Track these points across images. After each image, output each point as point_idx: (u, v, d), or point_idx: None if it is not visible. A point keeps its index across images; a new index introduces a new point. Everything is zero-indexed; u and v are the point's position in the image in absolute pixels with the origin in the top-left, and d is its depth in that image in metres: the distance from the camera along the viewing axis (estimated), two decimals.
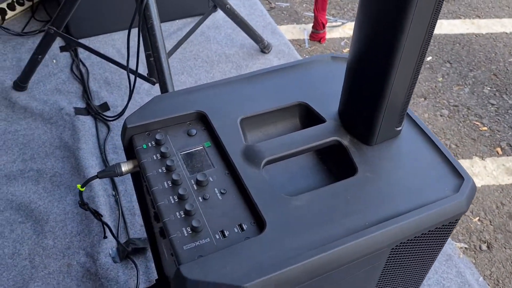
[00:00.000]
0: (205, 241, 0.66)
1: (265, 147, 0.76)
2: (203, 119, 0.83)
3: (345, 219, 0.68)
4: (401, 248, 0.72)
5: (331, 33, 2.40)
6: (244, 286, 0.60)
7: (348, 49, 2.29)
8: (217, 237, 0.66)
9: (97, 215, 0.97)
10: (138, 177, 0.88)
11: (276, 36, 2.16)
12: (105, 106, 1.78)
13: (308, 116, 0.85)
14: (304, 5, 2.56)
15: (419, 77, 2.14)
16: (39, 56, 1.69)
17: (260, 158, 0.74)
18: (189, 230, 0.67)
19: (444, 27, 2.46)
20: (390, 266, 0.75)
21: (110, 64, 1.95)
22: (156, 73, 1.34)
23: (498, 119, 1.99)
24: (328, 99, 0.86)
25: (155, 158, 0.77)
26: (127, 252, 1.32)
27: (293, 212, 0.68)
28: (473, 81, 2.16)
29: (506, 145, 1.88)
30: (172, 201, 0.71)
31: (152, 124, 0.81)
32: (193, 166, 0.76)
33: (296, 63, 0.93)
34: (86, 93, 1.81)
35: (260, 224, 0.68)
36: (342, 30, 2.41)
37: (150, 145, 0.79)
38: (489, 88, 2.14)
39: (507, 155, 1.84)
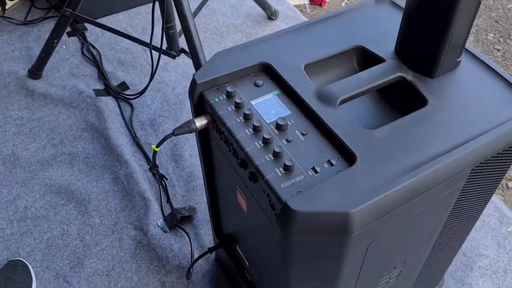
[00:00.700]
0: (300, 178, 0.69)
1: (337, 88, 0.78)
2: (266, 70, 0.85)
3: (429, 145, 0.71)
4: (479, 169, 0.75)
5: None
6: (351, 211, 0.63)
7: None
8: (310, 173, 0.69)
9: (164, 179, 0.98)
10: (204, 134, 0.90)
11: (280, 2, 2.16)
12: (124, 86, 1.78)
13: (365, 58, 0.87)
14: None
15: None
16: (55, 41, 1.67)
17: (335, 98, 0.77)
18: (281, 170, 0.70)
19: None
20: (467, 189, 0.79)
21: (121, 44, 1.94)
22: (187, 42, 1.34)
23: (506, 63, 2.04)
24: (381, 40, 0.88)
25: (230, 109, 0.79)
26: (175, 221, 1.34)
27: (378, 143, 0.71)
28: (476, 30, 2.20)
29: None
30: (258, 146, 0.73)
31: (219, 79, 0.82)
32: (268, 113, 0.78)
33: (342, 11, 0.95)
34: (102, 75, 1.81)
35: (347, 158, 0.71)
36: None
37: (221, 98, 0.80)
38: (492, 35, 2.18)
39: None
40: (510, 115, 0.75)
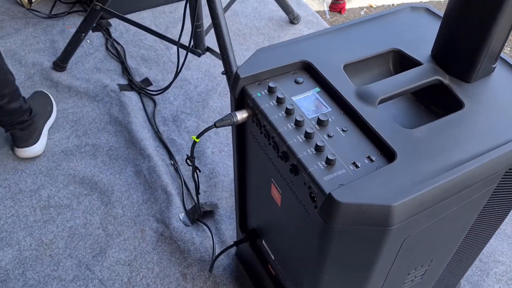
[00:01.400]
0: (341, 172, 0.71)
1: (376, 88, 0.81)
2: (307, 68, 0.87)
3: (466, 145, 0.73)
4: (511, 173, 0.78)
5: (350, 3, 2.44)
6: (393, 205, 0.65)
7: None
8: (351, 168, 0.72)
9: (197, 170, 1.00)
10: (241, 128, 0.92)
11: (302, 8, 2.19)
12: (147, 82, 1.81)
13: (401, 61, 0.90)
14: None
15: None
16: (83, 34, 1.71)
17: (375, 97, 0.79)
18: (324, 163, 0.72)
19: None
20: (498, 191, 0.81)
21: (144, 41, 1.97)
22: (217, 40, 1.37)
23: None
24: (417, 44, 0.91)
25: (272, 104, 0.81)
26: (198, 216, 1.36)
27: (416, 142, 0.74)
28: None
29: None
30: (300, 140, 0.76)
31: (261, 74, 0.85)
32: (309, 109, 0.80)
33: (379, 15, 0.98)
34: (126, 70, 1.84)
35: (387, 154, 0.73)
36: (360, 0, 2.45)
37: (263, 93, 0.83)
38: (509, 48, 2.21)
39: None
40: None
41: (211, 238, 1.33)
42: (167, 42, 1.98)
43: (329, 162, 0.72)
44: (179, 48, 1.54)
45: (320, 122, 0.77)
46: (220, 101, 1.74)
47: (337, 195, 0.66)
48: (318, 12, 2.35)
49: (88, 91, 1.75)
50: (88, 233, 1.35)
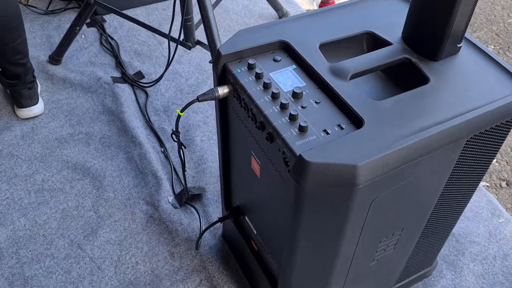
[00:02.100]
0: (313, 137, 0.77)
1: (349, 64, 0.87)
2: (285, 48, 0.93)
3: (430, 114, 0.79)
4: (473, 141, 0.83)
5: (340, 1, 2.51)
6: (359, 164, 0.71)
7: None
8: (322, 134, 0.77)
9: (182, 146, 1.05)
10: (223, 104, 0.98)
11: (291, 5, 2.26)
12: (140, 75, 1.86)
13: (374, 42, 0.96)
14: None
15: None
16: (77, 28, 1.76)
17: (347, 72, 0.85)
18: (296, 130, 0.78)
19: None
20: (462, 160, 0.87)
21: (138, 37, 2.04)
22: (205, 31, 1.43)
23: None
24: (389, 27, 0.97)
25: (251, 79, 0.87)
26: (186, 199, 1.41)
27: (384, 111, 0.80)
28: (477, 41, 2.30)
29: None
30: (276, 110, 0.81)
31: (242, 52, 0.91)
32: (285, 84, 0.86)
33: (355, 1, 1.04)
34: (119, 64, 1.90)
35: (356, 122, 0.79)
36: None
37: (243, 69, 0.89)
38: (492, 47, 2.28)
39: None
40: (503, 94, 0.84)
41: (198, 219, 1.38)
42: (160, 38, 2.05)
43: (301, 129, 0.78)
44: (171, 42, 1.60)
45: (295, 95, 0.83)
46: None
47: (307, 156, 0.72)
48: (308, 10, 2.42)
49: (82, 83, 1.81)
50: (80, 214, 1.40)
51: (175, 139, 1.01)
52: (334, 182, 0.73)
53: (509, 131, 0.88)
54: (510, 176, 1.71)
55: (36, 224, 1.37)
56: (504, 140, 0.90)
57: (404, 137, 0.75)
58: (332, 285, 0.98)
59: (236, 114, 0.94)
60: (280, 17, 2.15)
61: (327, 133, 0.77)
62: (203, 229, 1.34)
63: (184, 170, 1.11)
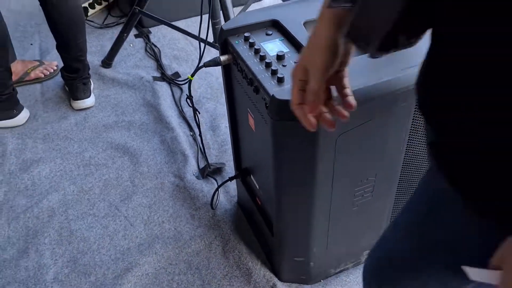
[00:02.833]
0: (288, 86, 0.96)
1: None
2: (276, 25, 1.14)
3: (385, 68, 0.97)
4: None
5: None
6: None
7: None
8: None
9: (196, 111, 1.27)
10: (228, 70, 1.19)
11: None
12: (176, 74, 2.13)
13: None
14: None
15: None
16: (125, 34, 2.07)
17: None
18: (276, 81, 0.98)
19: None
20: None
21: (178, 44, 2.32)
22: None
23: None
24: None
25: (245, 47, 1.08)
26: (207, 171, 1.63)
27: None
28: None
29: None
30: (262, 68, 1.02)
31: (240, 29, 1.13)
32: (273, 50, 1.07)
33: None
34: (160, 66, 2.18)
35: None
36: None
37: (240, 41, 1.11)
38: None
39: None
40: None
41: (216, 187, 1.59)
42: (196, 44, 2.31)
43: (279, 80, 0.98)
44: (203, 43, 1.86)
45: (278, 57, 1.04)
46: None
47: (277, 95, 0.92)
48: None
49: (128, 82, 2.10)
50: (119, 184, 1.65)
51: (190, 104, 1.24)
52: None
53: None
54: None
55: (82, 190, 1.63)
56: None
57: (360, 82, 0.93)
58: (316, 224, 1.15)
59: (236, 79, 1.16)
60: None
61: None
62: (219, 199, 1.54)
63: (200, 134, 1.32)
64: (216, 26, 1.86)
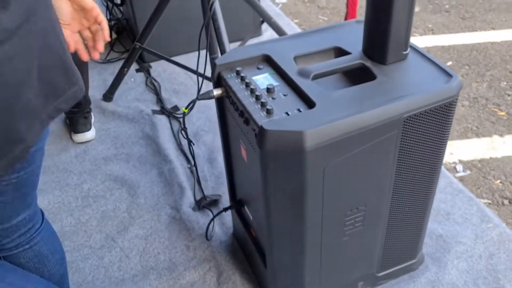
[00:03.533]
0: (276, 117, 0.99)
1: (313, 67, 1.10)
2: (267, 60, 1.18)
3: (370, 100, 1.00)
4: (411, 121, 1.02)
5: None
6: (306, 131, 0.93)
7: None
8: (284, 115, 1.00)
9: (191, 142, 1.30)
10: (222, 103, 1.23)
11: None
12: (175, 108, 2.18)
13: (340, 54, 1.19)
14: None
15: None
16: (126, 69, 2.13)
17: (310, 73, 1.08)
18: (264, 113, 1.01)
19: (462, 38, 2.79)
20: (406, 139, 1.05)
21: (178, 79, 2.38)
22: None
23: None
24: (355, 44, 1.20)
25: (237, 81, 1.12)
26: (203, 203, 1.64)
27: (334, 98, 1.02)
28: (490, 78, 2.45)
29: None
30: (252, 101, 1.05)
31: (232, 63, 1.17)
32: (263, 83, 1.10)
33: (332, 26, 1.29)
34: (160, 100, 2.23)
35: (311, 106, 1.01)
36: None
37: (232, 75, 1.15)
38: (505, 83, 2.42)
39: None
40: (436, 84, 1.03)
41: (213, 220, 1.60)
42: (195, 79, 2.37)
43: (268, 112, 1.01)
44: (201, 77, 1.91)
45: (268, 90, 1.07)
46: None
47: (265, 125, 0.95)
48: None
49: (128, 115, 2.14)
50: (116, 215, 1.67)
51: (184, 136, 1.27)
52: (287, 146, 0.95)
53: (446, 116, 1.06)
54: None
55: (79, 222, 1.65)
56: (444, 125, 1.07)
57: (347, 114, 0.96)
58: (308, 256, 1.15)
59: (228, 111, 1.19)
60: None
61: (288, 114, 1.00)
62: (215, 230, 1.55)
63: (195, 165, 1.34)
64: (214, 61, 1.91)
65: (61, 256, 1.13)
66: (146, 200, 1.72)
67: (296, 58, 1.17)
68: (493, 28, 2.88)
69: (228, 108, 1.18)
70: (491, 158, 1.98)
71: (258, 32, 2.60)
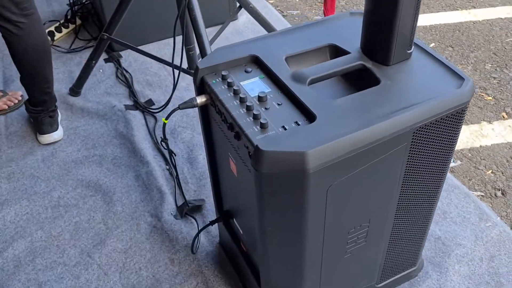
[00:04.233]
0: (272, 133, 0.88)
1: (308, 71, 0.98)
2: (255, 61, 1.05)
3: (376, 109, 0.89)
4: (420, 133, 0.92)
5: None
6: (308, 151, 0.81)
7: None
8: (280, 130, 0.88)
9: (172, 153, 1.18)
10: (206, 111, 1.10)
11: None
12: (150, 102, 2.03)
13: (336, 53, 1.07)
14: (313, 11, 2.83)
15: None
16: (93, 62, 1.95)
17: (306, 78, 0.96)
18: (258, 127, 0.89)
19: (443, 17, 2.70)
20: (414, 151, 0.95)
21: (150, 69, 2.22)
22: (201, 56, 1.58)
23: (501, 89, 2.19)
24: (351, 40, 1.08)
25: (223, 87, 0.99)
26: (186, 210, 1.53)
27: (336, 108, 0.90)
28: (474, 60, 2.38)
29: (511, 110, 2.08)
30: (242, 112, 0.93)
31: (217, 66, 1.03)
32: (253, 90, 0.98)
33: (324, 19, 1.17)
34: (132, 93, 2.07)
35: (311, 119, 0.89)
36: None
37: (218, 80, 1.01)
38: (490, 65, 2.35)
39: None
40: (446, 90, 0.93)
41: (197, 228, 1.48)
42: (170, 69, 2.22)
43: (262, 126, 0.89)
44: (177, 70, 1.76)
45: (260, 99, 0.95)
46: None
47: (262, 145, 0.83)
48: None
49: (98, 111, 1.98)
50: (91, 226, 1.53)
51: (165, 147, 1.14)
52: (287, 168, 0.83)
53: (457, 123, 0.96)
54: (506, 186, 1.74)
55: (51, 236, 1.51)
56: (455, 132, 0.98)
57: (352, 129, 0.85)
58: (307, 276, 1.06)
59: (214, 120, 1.06)
60: None
61: (285, 129, 0.88)
62: (201, 237, 1.44)
63: (177, 176, 1.22)
64: (190, 52, 1.77)
65: None
66: (123, 207, 1.59)
67: (287, 59, 1.04)
68: (474, 7, 2.80)
69: (214, 117, 1.05)
70: (481, 146, 1.92)
71: (234, 17, 2.44)
